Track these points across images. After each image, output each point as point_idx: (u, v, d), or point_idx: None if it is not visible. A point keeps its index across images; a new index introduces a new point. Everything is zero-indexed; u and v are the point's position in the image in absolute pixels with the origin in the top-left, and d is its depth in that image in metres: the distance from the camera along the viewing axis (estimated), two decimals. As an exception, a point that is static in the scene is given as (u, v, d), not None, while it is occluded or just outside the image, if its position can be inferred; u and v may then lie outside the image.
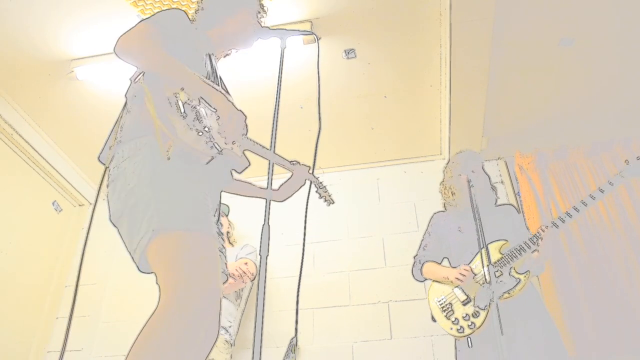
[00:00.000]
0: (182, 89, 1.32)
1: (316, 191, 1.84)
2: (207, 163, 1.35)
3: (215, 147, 1.34)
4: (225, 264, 1.48)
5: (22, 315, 3.25)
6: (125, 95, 1.46)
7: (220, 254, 1.39)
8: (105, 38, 2.80)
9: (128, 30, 1.38)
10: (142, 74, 1.37)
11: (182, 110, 1.31)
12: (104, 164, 1.38)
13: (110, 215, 1.34)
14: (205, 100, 1.39)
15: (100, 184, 1.33)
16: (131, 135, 1.33)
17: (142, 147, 1.29)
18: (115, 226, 1.33)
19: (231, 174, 1.53)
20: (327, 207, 2.04)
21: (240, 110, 1.44)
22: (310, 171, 1.79)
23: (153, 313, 1.12)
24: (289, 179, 1.85)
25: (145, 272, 1.26)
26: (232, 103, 1.42)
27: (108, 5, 2.62)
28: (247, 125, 1.48)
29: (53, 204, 3.64)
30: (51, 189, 3.63)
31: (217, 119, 1.41)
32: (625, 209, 3.05)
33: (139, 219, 1.22)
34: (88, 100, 3.15)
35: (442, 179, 2.63)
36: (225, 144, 1.41)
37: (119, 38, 1.35)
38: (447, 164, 2.63)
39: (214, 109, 1.40)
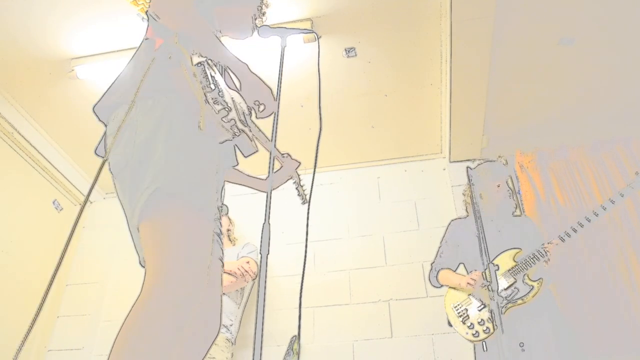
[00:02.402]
0: (207, 58, 1.27)
1: (296, 188, 1.88)
2: (222, 143, 1.32)
3: (236, 128, 1.31)
4: (222, 249, 1.43)
5: (22, 314, 3.25)
6: (147, 54, 1.35)
7: (217, 240, 1.35)
8: (106, 37, 2.78)
9: None
10: (175, 34, 1.30)
11: (211, 82, 1.26)
12: (101, 156, 1.31)
13: (110, 167, 1.26)
14: (228, 72, 1.36)
15: (96, 177, 1.19)
16: (149, 93, 1.25)
17: (161, 103, 1.23)
18: (114, 178, 1.26)
19: (236, 157, 1.51)
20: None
21: (268, 85, 1.42)
22: (313, 167, 1.80)
23: (137, 298, 1.07)
24: (277, 170, 1.85)
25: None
26: (259, 77, 1.39)
27: (108, 4, 2.62)
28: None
29: (53, 202, 3.64)
30: (51, 187, 3.63)
31: (238, 93, 1.37)
32: (627, 209, 3.04)
33: (142, 172, 1.16)
34: (88, 99, 3.09)
35: (466, 185, 2.65)
36: (258, 115, 1.40)
37: None
38: (475, 169, 2.63)
39: (239, 81, 1.37)
